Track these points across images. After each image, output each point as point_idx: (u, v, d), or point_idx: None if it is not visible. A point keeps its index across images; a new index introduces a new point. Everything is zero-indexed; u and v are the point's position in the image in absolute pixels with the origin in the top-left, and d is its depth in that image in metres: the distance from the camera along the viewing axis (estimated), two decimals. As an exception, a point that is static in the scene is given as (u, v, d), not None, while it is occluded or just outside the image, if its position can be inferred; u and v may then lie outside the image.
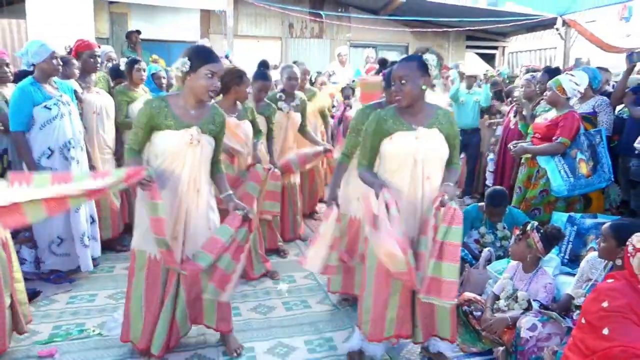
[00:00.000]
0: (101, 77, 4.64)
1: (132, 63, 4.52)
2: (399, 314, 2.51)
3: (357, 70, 7.93)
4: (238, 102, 3.60)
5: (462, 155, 5.64)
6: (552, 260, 3.34)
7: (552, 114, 3.87)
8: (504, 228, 3.73)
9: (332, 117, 6.33)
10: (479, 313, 3.00)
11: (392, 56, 9.16)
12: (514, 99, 5.18)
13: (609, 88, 4.86)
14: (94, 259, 3.81)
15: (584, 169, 3.69)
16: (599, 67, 4.83)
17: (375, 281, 2.51)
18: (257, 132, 3.80)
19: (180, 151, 2.46)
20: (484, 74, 6.21)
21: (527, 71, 5.91)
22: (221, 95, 3.45)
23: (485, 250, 3.57)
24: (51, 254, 3.59)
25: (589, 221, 3.50)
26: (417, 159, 2.40)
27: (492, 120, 6.07)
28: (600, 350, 1.93)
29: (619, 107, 4.40)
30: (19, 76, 3.68)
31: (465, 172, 6.09)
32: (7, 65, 3.72)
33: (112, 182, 2.31)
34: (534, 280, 2.92)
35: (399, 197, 2.40)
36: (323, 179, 5.80)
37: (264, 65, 4.11)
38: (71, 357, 2.74)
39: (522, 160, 4.14)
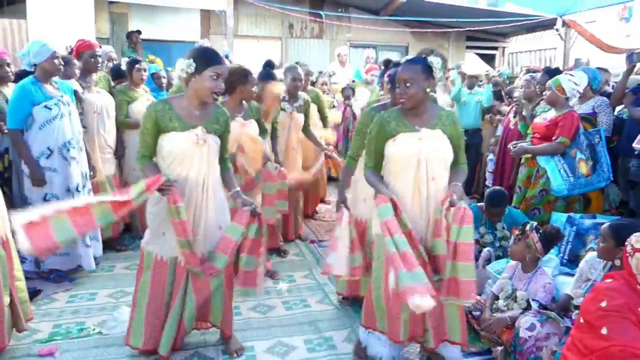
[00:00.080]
0: (102, 77, 4.65)
1: (132, 63, 4.54)
2: (411, 314, 2.47)
3: (357, 70, 7.94)
4: (244, 102, 3.61)
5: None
6: (551, 260, 3.35)
7: (552, 114, 3.88)
8: (504, 228, 3.74)
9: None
10: (478, 313, 3.01)
11: (392, 57, 9.15)
12: (514, 100, 5.18)
13: (609, 89, 4.86)
14: (95, 259, 3.82)
15: (583, 168, 3.70)
16: (598, 68, 4.83)
17: (386, 283, 2.49)
18: (262, 131, 3.82)
19: (187, 152, 2.47)
20: (486, 74, 6.22)
21: (527, 72, 5.91)
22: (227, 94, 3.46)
23: (485, 250, 3.58)
24: (51, 253, 3.59)
25: (588, 221, 3.50)
26: (421, 160, 2.41)
27: (496, 117, 6.06)
28: (598, 350, 1.93)
29: (618, 108, 4.40)
30: (20, 76, 3.69)
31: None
32: (8, 65, 3.73)
33: (136, 194, 2.34)
34: (533, 280, 2.93)
35: (404, 199, 2.41)
36: (325, 180, 5.82)
37: (269, 66, 4.11)
38: (71, 355, 2.75)
39: (522, 160, 4.15)
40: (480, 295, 3.18)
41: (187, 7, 9.07)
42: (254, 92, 3.66)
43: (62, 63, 3.57)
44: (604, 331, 1.93)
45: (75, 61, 4.02)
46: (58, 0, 7.05)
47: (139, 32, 8.52)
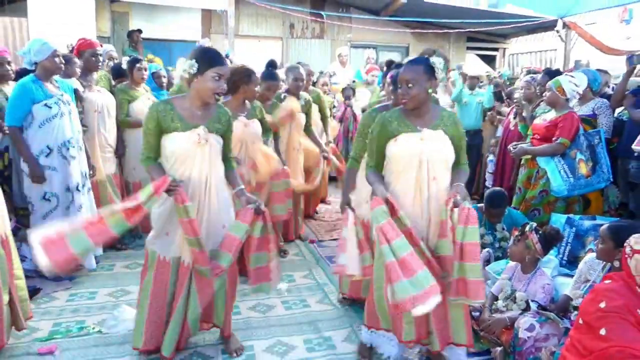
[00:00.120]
0: (103, 75, 4.65)
1: (133, 62, 4.55)
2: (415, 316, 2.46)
3: (358, 70, 7.94)
4: (247, 101, 3.62)
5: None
6: (550, 261, 3.35)
7: (551, 115, 3.89)
8: (503, 229, 3.74)
9: (333, 117, 6.34)
10: (477, 313, 3.01)
11: (393, 57, 9.15)
12: (514, 101, 5.19)
13: (609, 90, 4.86)
14: (95, 257, 3.82)
15: (583, 169, 3.70)
16: (598, 70, 4.83)
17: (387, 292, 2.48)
18: (266, 130, 3.82)
19: (189, 152, 2.47)
20: (486, 75, 6.22)
21: (527, 73, 5.91)
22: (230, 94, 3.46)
23: (484, 251, 3.58)
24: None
25: (587, 223, 3.51)
26: (422, 160, 2.42)
27: (498, 116, 6.06)
28: (597, 351, 1.94)
29: (618, 110, 4.41)
30: (21, 74, 3.69)
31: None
32: (9, 63, 3.74)
33: (145, 198, 2.35)
34: (532, 281, 2.93)
35: (405, 198, 2.42)
36: (326, 180, 5.82)
37: (272, 65, 4.12)
38: (71, 354, 2.75)
39: (522, 161, 4.15)
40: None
41: (188, 6, 9.08)
42: (257, 91, 3.67)
43: (63, 61, 3.57)
44: (602, 332, 1.93)
45: (76, 60, 4.02)
46: (59, -1, 7.07)
47: (139, 31, 8.52)
